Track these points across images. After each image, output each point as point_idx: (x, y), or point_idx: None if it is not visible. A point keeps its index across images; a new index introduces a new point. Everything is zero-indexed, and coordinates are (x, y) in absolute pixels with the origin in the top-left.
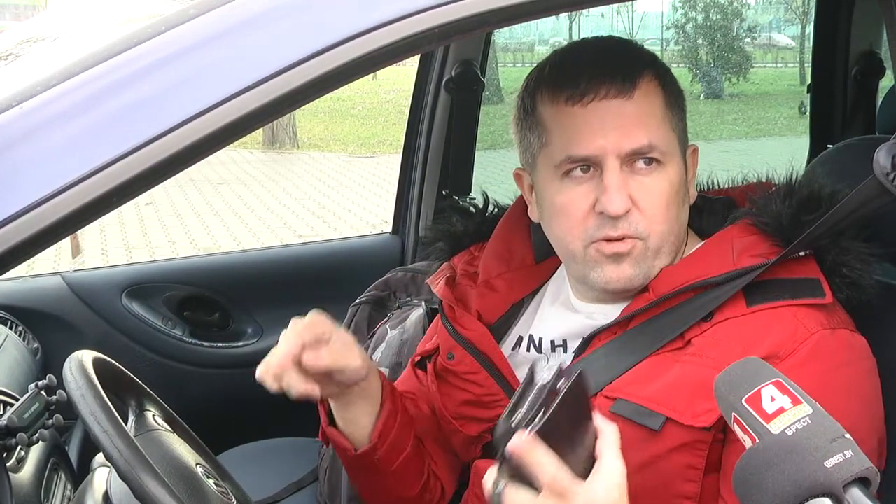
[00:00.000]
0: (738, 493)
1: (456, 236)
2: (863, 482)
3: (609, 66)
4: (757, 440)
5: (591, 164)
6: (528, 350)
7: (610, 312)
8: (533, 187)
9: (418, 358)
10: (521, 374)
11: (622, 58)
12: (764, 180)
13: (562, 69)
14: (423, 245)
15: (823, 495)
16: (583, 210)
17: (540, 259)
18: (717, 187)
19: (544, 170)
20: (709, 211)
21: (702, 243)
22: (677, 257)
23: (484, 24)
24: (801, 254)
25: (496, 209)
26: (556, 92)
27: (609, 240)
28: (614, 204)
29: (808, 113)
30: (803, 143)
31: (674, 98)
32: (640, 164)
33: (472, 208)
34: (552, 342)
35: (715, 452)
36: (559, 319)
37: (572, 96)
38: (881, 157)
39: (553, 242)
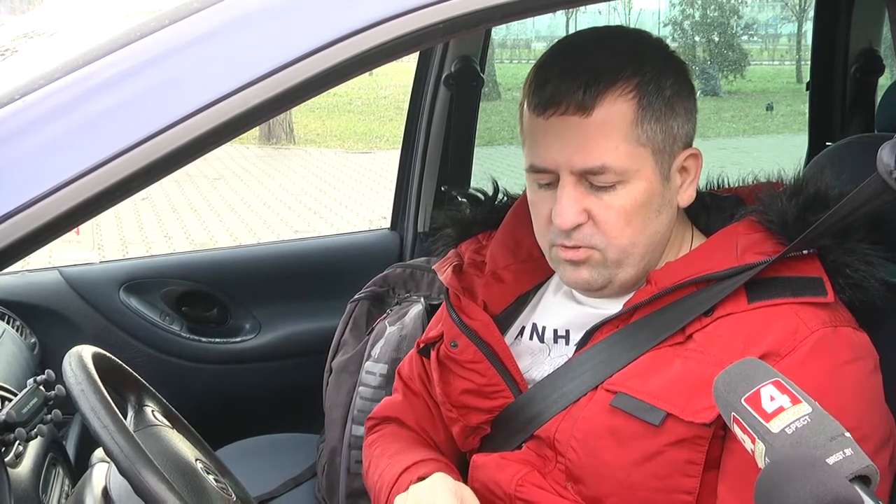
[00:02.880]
0: None
1: (464, 223)
2: (863, 480)
3: (575, 77)
4: (757, 440)
5: (549, 179)
6: (530, 339)
7: (612, 305)
8: None
9: (422, 344)
10: (522, 365)
11: (593, 66)
12: (774, 180)
13: (539, 73)
14: (429, 234)
15: None
16: (544, 215)
17: None
18: (726, 186)
19: (526, 168)
20: (716, 208)
21: (706, 239)
22: (680, 252)
23: (488, 20)
24: (805, 252)
25: (505, 198)
26: (530, 98)
27: (565, 247)
28: (561, 217)
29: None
30: (801, 141)
31: (653, 109)
32: (597, 183)
33: (481, 196)
34: (555, 332)
35: (715, 449)
36: (563, 309)
37: (538, 106)
38: (885, 155)
39: None
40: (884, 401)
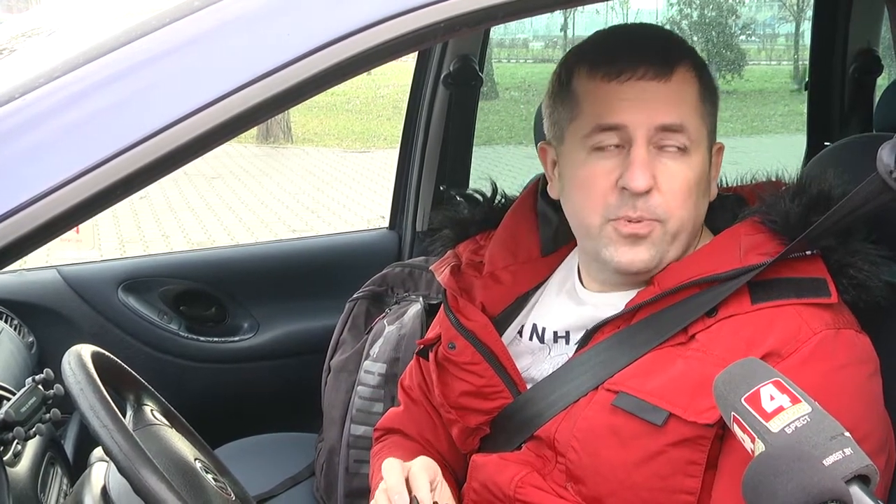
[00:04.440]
0: (747, 499)
1: (462, 224)
2: (862, 480)
3: (649, 50)
4: (757, 439)
5: (619, 140)
6: (530, 339)
7: (614, 304)
8: (556, 163)
9: (421, 346)
10: (521, 365)
11: (662, 44)
12: (774, 179)
13: (602, 48)
14: (427, 235)
15: (832, 501)
16: (605, 185)
17: (546, 253)
18: (726, 185)
19: (571, 142)
20: (720, 207)
21: (711, 239)
22: (689, 250)
23: (488, 19)
24: (808, 253)
25: (503, 199)
26: (594, 68)
27: (629, 220)
28: (637, 180)
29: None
30: (799, 141)
31: (708, 92)
32: (668, 146)
33: (479, 197)
34: (555, 333)
35: (716, 449)
36: (563, 310)
37: (609, 73)
38: (884, 155)
39: (570, 217)
40: (882, 405)
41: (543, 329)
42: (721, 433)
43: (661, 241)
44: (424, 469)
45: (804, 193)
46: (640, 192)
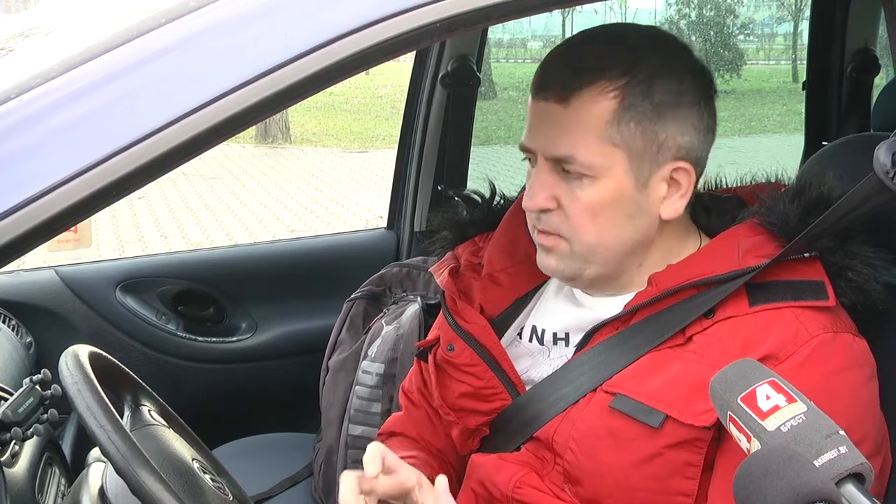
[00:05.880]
0: (738, 499)
1: (461, 225)
2: (857, 478)
3: (564, 67)
4: (753, 438)
5: (533, 157)
6: (529, 341)
7: (612, 307)
8: None
9: (420, 349)
10: (521, 367)
11: (584, 60)
12: (773, 180)
13: (547, 56)
14: (425, 236)
15: (820, 502)
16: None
17: None
18: (726, 185)
19: None
20: (718, 210)
21: (708, 241)
22: (668, 259)
23: (485, 19)
24: (807, 255)
25: (502, 200)
26: (534, 78)
27: (538, 230)
28: (529, 199)
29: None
30: (797, 141)
31: (635, 111)
32: (568, 169)
33: (478, 198)
34: (554, 334)
35: (713, 451)
36: (562, 311)
37: (533, 87)
38: (881, 155)
39: None
40: (878, 409)
41: (543, 331)
42: (718, 435)
43: (570, 257)
44: (398, 480)
45: (803, 195)
46: (532, 210)
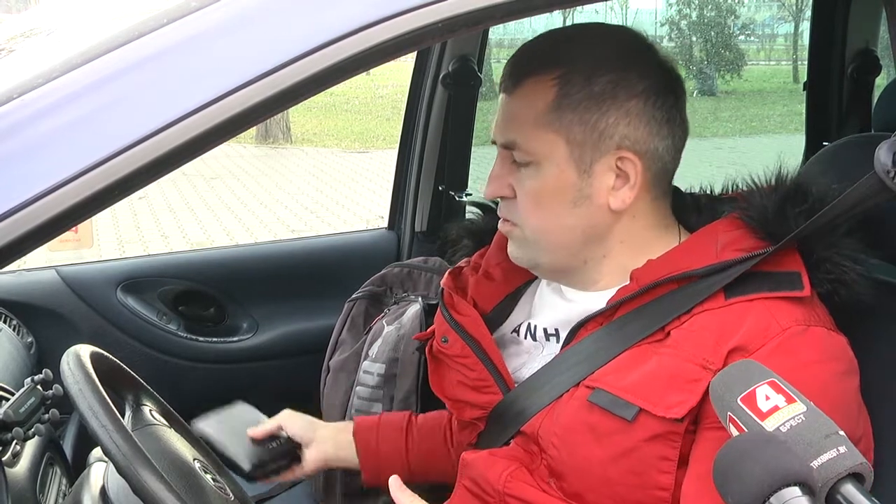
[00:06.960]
0: (717, 484)
1: (478, 234)
2: (857, 478)
3: (517, 61)
4: None
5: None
6: (524, 338)
7: (596, 302)
8: None
9: (418, 343)
10: (515, 363)
11: (530, 52)
12: (772, 181)
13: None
14: (427, 234)
15: (794, 484)
16: None
17: None
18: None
19: None
20: (709, 210)
21: (688, 237)
22: (648, 255)
23: (487, 19)
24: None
25: None
26: None
27: (502, 218)
28: (487, 187)
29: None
30: (797, 141)
31: (572, 100)
32: (516, 156)
33: (492, 205)
34: (545, 330)
35: (688, 445)
36: (552, 306)
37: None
38: (882, 155)
39: None
40: (854, 406)
41: (535, 327)
42: (692, 428)
43: (524, 244)
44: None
45: (780, 187)
46: (487, 197)
